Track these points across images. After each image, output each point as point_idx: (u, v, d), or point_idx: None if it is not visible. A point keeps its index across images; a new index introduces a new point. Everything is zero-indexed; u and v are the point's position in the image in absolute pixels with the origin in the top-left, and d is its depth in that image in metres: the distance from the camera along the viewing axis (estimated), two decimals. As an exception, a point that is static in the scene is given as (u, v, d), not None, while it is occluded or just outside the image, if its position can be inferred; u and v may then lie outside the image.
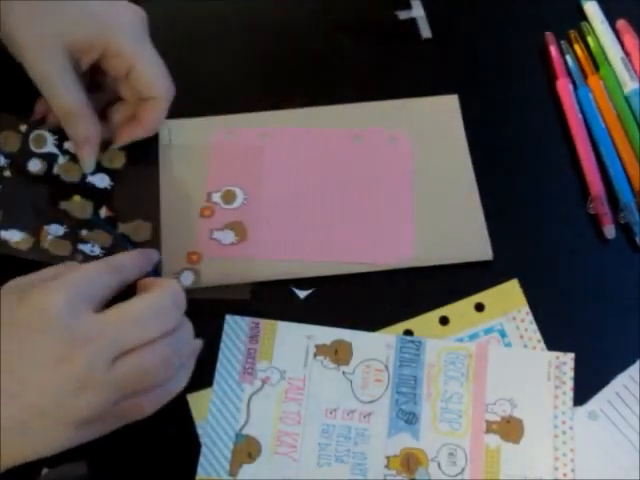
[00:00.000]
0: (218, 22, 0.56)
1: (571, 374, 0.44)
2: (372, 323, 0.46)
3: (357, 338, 0.45)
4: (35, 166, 0.48)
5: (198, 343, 0.41)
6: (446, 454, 0.43)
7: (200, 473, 0.42)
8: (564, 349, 0.45)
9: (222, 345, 0.45)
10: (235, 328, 0.46)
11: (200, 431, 0.43)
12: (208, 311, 0.45)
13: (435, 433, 0.43)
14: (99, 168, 0.49)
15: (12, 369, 0.35)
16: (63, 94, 0.45)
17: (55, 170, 0.49)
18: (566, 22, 0.56)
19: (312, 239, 0.48)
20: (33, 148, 0.49)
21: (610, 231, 0.48)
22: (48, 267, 0.40)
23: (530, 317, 0.46)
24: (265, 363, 0.45)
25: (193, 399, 0.44)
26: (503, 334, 0.45)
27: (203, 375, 0.44)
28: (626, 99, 0.52)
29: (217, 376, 0.44)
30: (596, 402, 0.43)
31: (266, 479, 0.42)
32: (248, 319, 0.46)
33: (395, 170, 0.50)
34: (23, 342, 0.35)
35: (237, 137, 0.51)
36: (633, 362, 0.45)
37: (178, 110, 0.50)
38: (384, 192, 0.50)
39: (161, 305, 0.38)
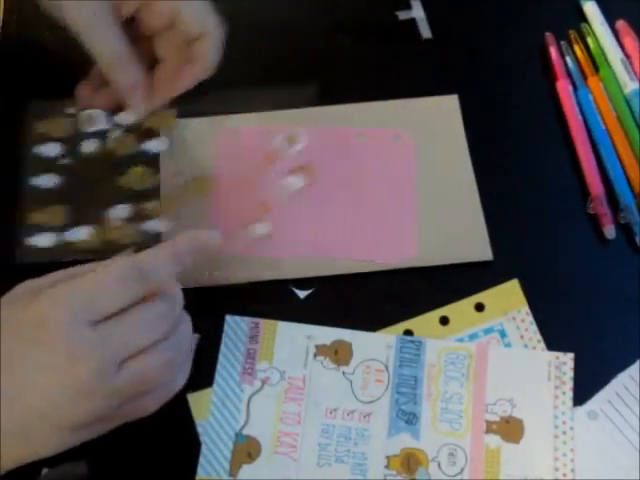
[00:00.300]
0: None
1: (571, 374, 0.44)
2: (372, 323, 0.46)
3: (357, 338, 0.45)
4: (89, 147, 0.47)
5: (195, 337, 0.41)
6: (446, 454, 0.43)
7: (200, 473, 0.42)
8: (564, 349, 0.45)
9: (222, 345, 0.45)
10: (235, 328, 0.46)
11: (200, 431, 0.43)
12: (208, 311, 0.45)
13: (435, 433, 0.43)
14: (151, 133, 0.48)
15: (13, 371, 0.34)
16: (106, 39, 0.43)
17: (109, 145, 0.48)
18: (566, 23, 0.56)
19: (314, 237, 0.48)
20: (84, 129, 0.48)
21: (610, 231, 0.48)
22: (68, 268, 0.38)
23: (530, 317, 0.46)
24: (265, 363, 0.45)
25: (193, 399, 0.44)
26: (503, 334, 0.46)
27: (203, 375, 0.44)
28: (626, 100, 0.52)
29: (217, 376, 0.44)
30: (596, 402, 0.44)
31: (266, 479, 0.42)
32: (248, 319, 0.46)
33: (398, 169, 0.50)
34: (25, 347, 0.35)
35: (239, 136, 0.51)
36: (633, 362, 0.45)
37: (178, 110, 0.50)
38: (387, 191, 0.50)
39: (162, 310, 0.38)
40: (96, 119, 0.48)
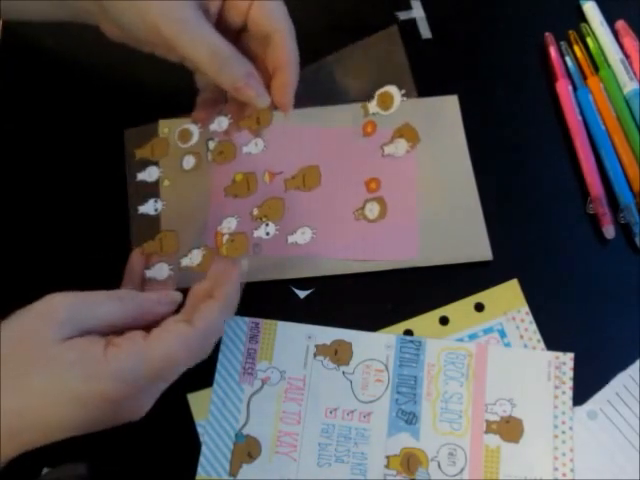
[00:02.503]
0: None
1: (571, 374, 0.44)
2: (372, 323, 0.46)
3: (357, 338, 0.45)
4: (189, 162, 0.46)
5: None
6: (446, 454, 0.43)
7: (200, 473, 0.42)
8: (564, 349, 0.45)
9: (222, 345, 0.45)
10: (235, 328, 0.46)
11: (200, 431, 0.43)
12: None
13: (435, 433, 0.43)
14: (248, 135, 0.46)
15: (11, 368, 0.34)
16: (207, 36, 0.40)
17: (209, 158, 0.46)
18: (566, 23, 0.56)
19: (316, 236, 0.48)
20: (181, 145, 0.46)
21: (610, 231, 0.48)
22: None
23: (530, 317, 0.46)
24: (265, 363, 0.45)
25: (193, 399, 0.44)
26: (503, 334, 0.46)
27: (203, 375, 0.44)
28: (625, 100, 0.52)
29: (217, 376, 0.44)
30: (596, 402, 0.44)
31: (266, 479, 0.42)
32: (248, 319, 0.46)
33: (399, 169, 0.50)
34: (24, 348, 0.34)
35: (241, 136, 0.51)
36: (633, 362, 0.45)
37: (179, 110, 0.50)
38: (389, 191, 0.50)
39: (175, 355, 0.36)
40: (191, 133, 0.46)
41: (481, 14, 0.57)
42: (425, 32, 0.56)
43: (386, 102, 0.45)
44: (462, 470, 0.42)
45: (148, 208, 0.46)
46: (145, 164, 0.47)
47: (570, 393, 0.44)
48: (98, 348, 0.35)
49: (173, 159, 0.47)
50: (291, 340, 0.45)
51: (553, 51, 0.55)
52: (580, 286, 0.47)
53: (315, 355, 0.45)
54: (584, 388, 0.44)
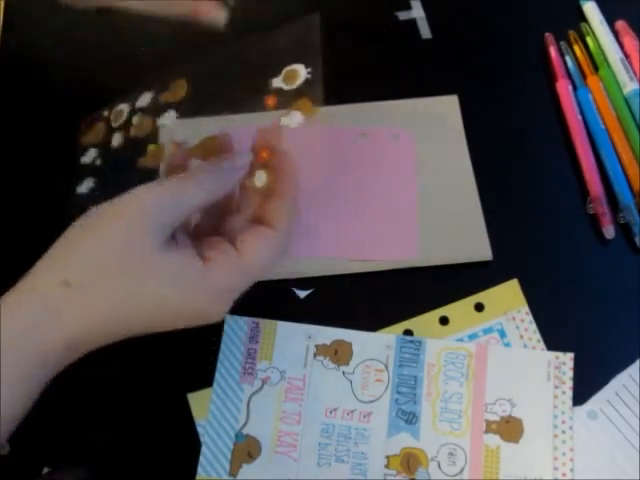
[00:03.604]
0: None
1: (570, 374, 0.44)
2: (372, 323, 0.46)
3: (357, 338, 0.45)
4: (116, 141, 0.47)
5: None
6: (446, 454, 0.43)
7: (200, 473, 0.42)
8: (564, 349, 0.45)
9: (222, 345, 0.45)
10: (235, 328, 0.46)
11: (200, 431, 0.43)
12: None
13: (435, 433, 0.43)
14: (165, 106, 0.46)
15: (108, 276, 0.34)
16: None
17: (131, 133, 0.47)
18: (566, 23, 0.56)
19: (316, 235, 0.48)
20: (114, 125, 0.47)
21: (609, 231, 0.48)
22: None
23: (530, 317, 0.46)
24: (265, 363, 0.45)
25: (193, 399, 0.44)
26: (503, 334, 0.46)
27: (203, 375, 0.44)
28: (625, 100, 0.52)
29: (217, 376, 0.44)
30: (595, 402, 0.44)
31: (266, 479, 0.42)
32: (248, 319, 0.46)
33: (399, 169, 0.50)
34: (120, 257, 0.34)
35: (241, 135, 0.51)
36: (633, 362, 0.45)
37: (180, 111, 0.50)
38: (388, 191, 0.50)
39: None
40: (122, 112, 0.47)
41: (481, 14, 0.57)
42: (425, 32, 0.56)
43: (291, 78, 0.45)
44: (462, 470, 0.42)
45: (82, 188, 0.47)
46: (86, 148, 0.48)
47: (570, 393, 0.44)
48: (197, 264, 0.35)
49: (106, 140, 0.47)
50: (291, 340, 0.45)
51: (553, 51, 0.55)
52: (580, 286, 0.47)
53: (315, 355, 0.45)
54: (584, 388, 0.44)
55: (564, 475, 0.42)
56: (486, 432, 0.43)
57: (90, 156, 0.47)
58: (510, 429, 0.43)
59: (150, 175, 0.44)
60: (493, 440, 0.43)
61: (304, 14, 0.57)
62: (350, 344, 0.45)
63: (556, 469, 0.42)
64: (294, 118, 0.41)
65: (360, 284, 0.47)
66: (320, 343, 0.45)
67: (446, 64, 0.55)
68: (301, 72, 0.42)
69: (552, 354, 0.45)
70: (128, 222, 0.34)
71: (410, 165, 0.51)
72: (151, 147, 0.46)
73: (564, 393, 0.44)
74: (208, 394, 0.44)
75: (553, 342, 0.45)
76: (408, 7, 0.57)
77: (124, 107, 0.48)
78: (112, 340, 0.34)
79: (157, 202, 0.35)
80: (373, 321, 0.46)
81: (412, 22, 0.57)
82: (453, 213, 0.49)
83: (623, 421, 0.43)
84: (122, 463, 0.43)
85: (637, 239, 0.48)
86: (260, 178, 0.41)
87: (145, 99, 0.47)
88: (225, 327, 0.46)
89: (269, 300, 0.47)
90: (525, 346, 0.45)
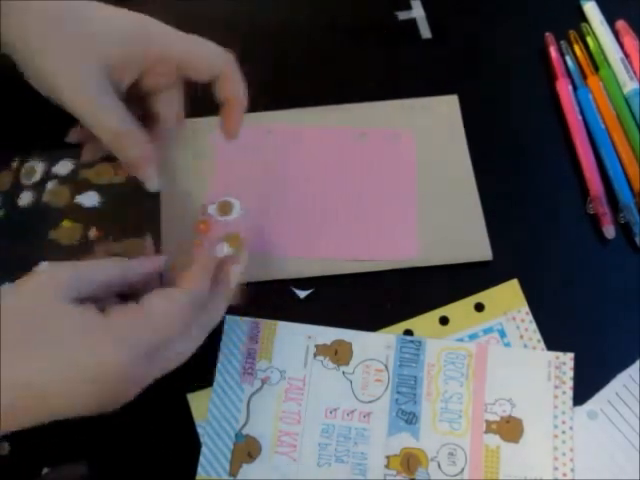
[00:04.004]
0: (218, 23, 0.56)
1: (571, 374, 0.44)
2: (372, 323, 0.46)
3: (357, 338, 0.45)
4: (25, 199, 0.47)
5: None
6: (446, 454, 0.43)
7: (200, 473, 0.42)
8: (564, 349, 0.45)
9: (222, 345, 0.45)
10: (235, 328, 0.46)
11: (200, 431, 0.43)
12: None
13: (435, 433, 0.43)
14: (87, 185, 0.47)
15: (12, 339, 0.33)
16: (109, 115, 0.41)
17: (44, 198, 0.47)
18: (566, 23, 0.56)
19: (316, 236, 0.48)
20: (24, 181, 0.47)
21: (610, 231, 0.48)
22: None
23: (530, 317, 0.46)
24: (265, 363, 0.45)
25: (193, 399, 0.44)
26: (503, 334, 0.46)
27: (203, 375, 0.44)
28: (625, 100, 0.52)
29: (217, 376, 0.44)
30: (596, 402, 0.44)
31: (266, 479, 0.42)
32: (248, 319, 0.46)
33: (399, 169, 0.51)
34: (27, 317, 0.34)
35: (241, 135, 0.51)
36: (633, 362, 0.45)
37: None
38: (388, 191, 0.50)
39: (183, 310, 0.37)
40: (35, 171, 0.48)
41: (481, 14, 0.57)
42: (425, 32, 0.56)
43: (225, 210, 0.47)
44: (462, 470, 0.42)
45: None
46: None
47: (570, 393, 0.44)
48: (97, 316, 0.35)
49: (13, 192, 0.47)
50: (291, 340, 0.45)
51: (553, 51, 0.55)
52: (580, 286, 0.47)
53: (315, 355, 0.45)
54: (584, 388, 0.44)
55: (564, 475, 0.42)
56: (486, 432, 0.43)
57: None
58: (510, 429, 0.43)
59: (65, 251, 0.44)
60: (493, 440, 0.43)
61: (305, 15, 0.57)
62: (350, 344, 0.45)
63: (556, 469, 0.42)
64: (222, 250, 0.43)
65: (360, 284, 0.47)
66: (320, 343, 0.45)
67: (446, 64, 0.55)
68: (235, 207, 0.43)
69: (552, 354, 0.45)
70: (27, 293, 0.35)
71: (410, 165, 0.51)
72: (66, 223, 0.46)
73: (564, 393, 0.44)
74: (208, 394, 0.44)
75: (553, 342, 0.45)
76: (408, 7, 0.57)
77: (38, 166, 0.48)
78: (26, 425, 0.34)
79: (69, 272, 0.36)
80: (373, 321, 0.46)
81: (412, 22, 0.57)
82: (453, 213, 0.49)
83: (623, 421, 0.43)
84: (122, 463, 0.43)
85: (637, 239, 0.48)
86: (222, 250, 0.43)
87: (64, 167, 0.47)
88: (225, 327, 0.46)
89: (269, 300, 0.47)
90: (525, 346, 0.45)
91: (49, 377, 0.33)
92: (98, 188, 0.48)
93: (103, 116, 0.41)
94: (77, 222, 0.47)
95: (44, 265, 0.43)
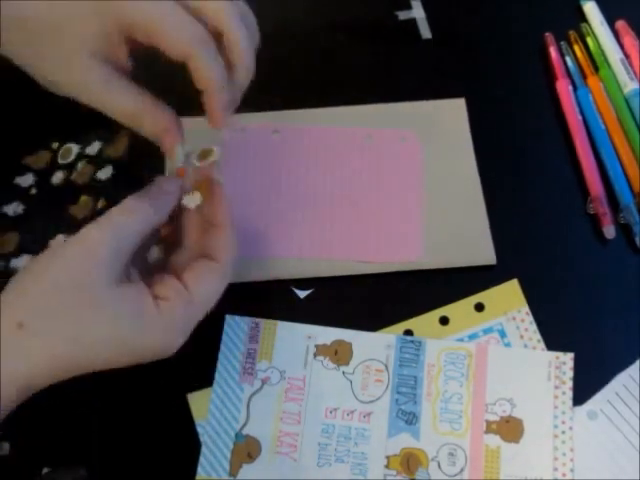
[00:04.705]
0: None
1: (571, 374, 0.44)
2: (372, 323, 0.46)
3: (357, 338, 0.45)
4: (58, 178, 0.50)
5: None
6: (446, 454, 0.43)
7: (200, 473, 0.42)
8: (564, 349, 0.45)
9: (222, 345, 0.45)
10: (235, 328, 0.46)
11: (200, 431, 0.43)
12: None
13: (435, 433, 0.43)
14: (107, 161, 0.50)
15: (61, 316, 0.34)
16: (120, 99, 0.39)
17: (73, 177, 0.50)
18: (566, 23, 0.56)
19: (321, 237, 0.48)
20: (60, 161, 0.50)
21: (610, 231, 0.48)
22: None
23: (530, 317, 0.46)
24: (265, 363, 0.45)
25: (193, 399, 0.44)
26: (503, 334, 0.46)
27: (203, 375, 0.44)
28: (625, 100, 0.52)
29: (217, 376, 0.44)
30: (596, 402, 0.44)
31: (266, 479, 0.42)
32: (248, 319, 0.46)
33: (405, 171, 0.50)
34: (73, 295, 0.35)
35: (247, 134, 0.51)
36: (633, 362, 0.45)
37: (182, 110, 0.49)
38: (394, 193, 0.50)
39: None
40: (71, 151, 0.50)
41: (481, 14, 0.57)
42: (425, 32, 0.56)
43: (205, 156, 0.45)
44: (462, 470, 0.42)
45: (9, 209, 0.49)
46: (24, 169, 0.50)
47: (570, 393, 0.44)
48: (149, 301, 0.36)
49: (48, 171, 0.50)
50: (291, 340, 0.45)
51: (553, 51, 0.55)
52: (580, 286, 0.47)
53: (315, 355, 0.45)
54: (584, 388, 0.44)
55: (564, 475, 0.42)
56: (486, 432, 0.43)
57: (26, 181, 0.50)
58: (510, 429, 0.43)
59: (79, 226, 0.44)
60: (493, 440, 0.43)
61: (305, 15, 0.57)
62: (350, 344, 0.45)
63: (556, 469, 0.42)
64: (193, 200, 0.42)
65: (360, 284, 0.47)
66: (320, 343, 0.45)
67: (446, 64, 0.55)
68: (216, 152, 0.43)
69: (552, 354, 0.45)
70: (76, 264, 0.35)
71: (416, 167, 0.50)
72: (84, 198, 0.49)
73: (564, 393, 0.44)
74: (208, 394, 0.44)
75: (553, 342, 0.45)
76: (408, 7, 0.57)
77: (74, 147, 0.50)
78: (69, 376, 0.35)
79: (107, 240, 0.36)
80: (373, 321, 0.46)
81: (412, 22, 0.57)
82: (458, 216, 0.49)
83: (623, 421, 0.43)
84: (122, 463, 0.43)
85: (637, 239, 0.48)
86: (194, 199, 0.42)
87: (94, 148, 0.50)
88: (225, 327, 0.46)
89: (269, 300, 0.47)
90: (525, 346, 0.45)
91: (96, 349, 0.35)
92: (113, 162, 0.50)
93: (114, 102, 0.39)
94: (90, 196, 0.49)
95: (60, 238, 0.46)
